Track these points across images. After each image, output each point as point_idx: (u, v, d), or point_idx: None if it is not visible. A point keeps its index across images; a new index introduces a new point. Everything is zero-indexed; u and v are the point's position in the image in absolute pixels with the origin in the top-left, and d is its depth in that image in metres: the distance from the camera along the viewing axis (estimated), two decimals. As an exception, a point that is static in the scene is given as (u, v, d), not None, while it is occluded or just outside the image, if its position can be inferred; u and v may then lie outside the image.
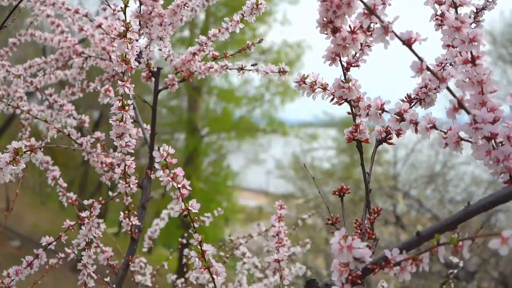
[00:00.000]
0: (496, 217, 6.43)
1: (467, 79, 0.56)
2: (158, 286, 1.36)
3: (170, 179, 0.63)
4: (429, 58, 0.56)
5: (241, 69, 0.96)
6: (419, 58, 0.51)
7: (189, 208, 0.64)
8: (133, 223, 0.99)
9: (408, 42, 0.51)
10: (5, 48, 1.35)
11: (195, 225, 0.66)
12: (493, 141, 0.54)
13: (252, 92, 11.95)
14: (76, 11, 1.10)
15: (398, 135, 0.68)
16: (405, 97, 0.70)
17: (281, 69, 0.86)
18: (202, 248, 0.66)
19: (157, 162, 0.62)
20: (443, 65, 0.70)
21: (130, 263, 1.00)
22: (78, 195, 1.08)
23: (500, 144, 0.53)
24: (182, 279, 1.35)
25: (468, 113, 0.52)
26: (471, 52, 0.54)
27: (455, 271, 1.12)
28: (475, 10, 0.75)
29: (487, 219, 6.03)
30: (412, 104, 0.70)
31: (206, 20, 9.74)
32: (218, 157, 11.75)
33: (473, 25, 0.75)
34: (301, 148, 10.40)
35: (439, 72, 0.56)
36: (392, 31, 0.51)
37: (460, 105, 0.52)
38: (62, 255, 1.13)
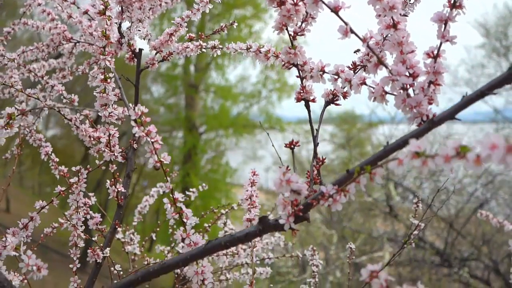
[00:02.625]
0: (488, 205, 6.55)
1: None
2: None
3: (145, 134, 0.73)
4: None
5: (214, 47, 1.06)
6: (345, 22, 0.61)
7: (162, 159, 0.74)
8: (119, 190, 1.08)
9: (335, 10, 0.61)
10: (0, 37, 1.44)
11: (168, 178, 0.76)
12: (412, 91, 0.64)
13: (249, 89, 12.06)
14: (65, -1, 1.20)
15: (344, 97, 0.78)
16: (351, 64, 0.80)
17: (248, 46, 0.95)
18: (174, 196, 0.76)
19: (133, 120, 0.72)
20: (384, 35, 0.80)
21: (117, 227, 1.10)
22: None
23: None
24: (169, 247, 1.45)
25: (386, 67, 0.62)
26: (392, 18, 0.64)
27: (416, 232, 1.21)
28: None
29: (479, 206, 6.15)
30: (357, 70, 0.80)
31: (202, 17, 9.85)
32: (216, 154, 11.85)
33: (413, 0, 0.84)
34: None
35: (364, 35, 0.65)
36: (321, 0, 0.61)
37: (380, 61, 0.62)
38: (56, 224, 1.23)
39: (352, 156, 9.88)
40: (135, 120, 0.72)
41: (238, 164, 12.07)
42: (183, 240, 0.75)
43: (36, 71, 1.27)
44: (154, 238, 1.51)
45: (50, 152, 1.22)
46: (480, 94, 0.56)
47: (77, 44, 1.32)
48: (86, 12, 1.15)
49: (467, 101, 0.57)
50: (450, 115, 0.58)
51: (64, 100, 1.19)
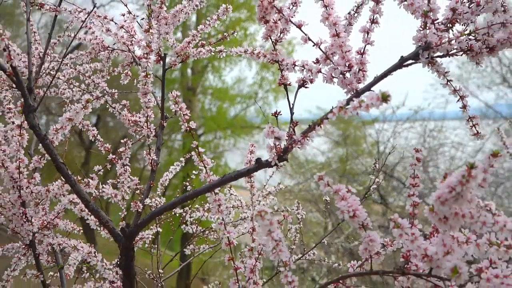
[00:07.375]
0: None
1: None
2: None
3: (178, 109, 1.11)
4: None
5: (220, 51, 1.45)
6: (304, 33, 1.00)
7: (190, 126, 1.12)
8: (153, 158, 1.47)
9: (299, 26, 1.00)
10: (49, 47, 1.82)
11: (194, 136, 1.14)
12: (348, 75, 1.02)
13: (246, 90, 12.45)
14: (105, 17, 1.58)
15: (311, 82, 1.16)
16: (315, 59, 1.18)
17: (246, 49, 1.34)
18: (199, 150, 1.14)
19: (170, 100, 1.10)
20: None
21: (151, 185, 1.48)
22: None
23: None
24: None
25: (331, 61, 1.00)
26: (335, 30, 1.03)
27: (374, 187, 1.58)
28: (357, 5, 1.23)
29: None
30: (319, 63, 1.18)
31: (197, 22, 10.26)
32: (215, 155, 12.21)
33: (356, 14, 1.23)
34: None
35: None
36: (290, 20, 0.99)
37: (327, 57, 1.01)
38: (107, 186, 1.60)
39: (349, 154, 10.23)
40: (171, 100, 1.11)
41: (237, 165, 12.41)
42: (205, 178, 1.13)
43: (84, 72, 1.66)
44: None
45: (96, 135, 1.60)
46: (384, 75, 0.94)
47: (113, 51, 1.70)
48: (122, 27, 1.54)
49: (377, 79, 0.95)
50: (367, 88, 0.96)
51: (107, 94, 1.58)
